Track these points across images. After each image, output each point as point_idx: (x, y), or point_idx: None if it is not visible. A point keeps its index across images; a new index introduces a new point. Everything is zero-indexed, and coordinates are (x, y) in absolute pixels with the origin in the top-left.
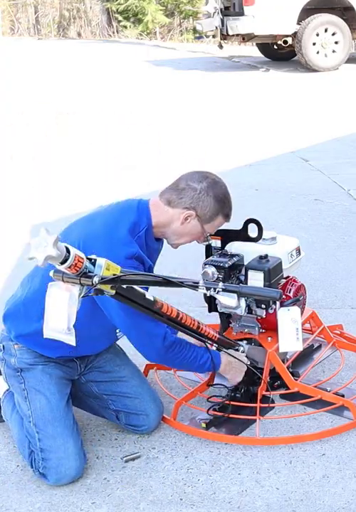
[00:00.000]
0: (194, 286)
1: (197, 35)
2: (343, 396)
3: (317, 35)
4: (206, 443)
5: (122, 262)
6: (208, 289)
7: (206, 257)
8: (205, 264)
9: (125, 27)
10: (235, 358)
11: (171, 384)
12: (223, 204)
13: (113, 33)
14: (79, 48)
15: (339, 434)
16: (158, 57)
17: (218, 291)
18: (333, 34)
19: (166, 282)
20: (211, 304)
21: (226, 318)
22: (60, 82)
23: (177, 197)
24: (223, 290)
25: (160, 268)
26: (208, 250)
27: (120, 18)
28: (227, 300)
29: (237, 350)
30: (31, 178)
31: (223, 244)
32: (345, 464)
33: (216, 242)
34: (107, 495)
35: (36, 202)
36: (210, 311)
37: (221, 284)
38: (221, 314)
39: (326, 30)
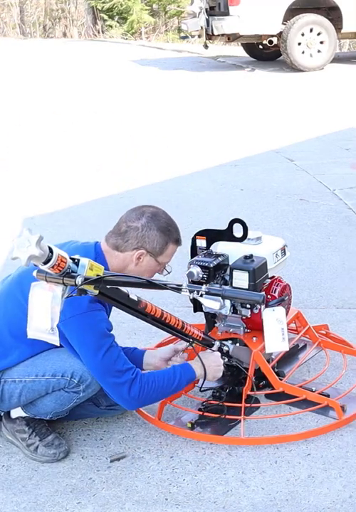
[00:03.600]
0: (178, 288)
1: (182, 34)
2: (328, 396)
3: (303, 35)
4: (191, 443)
5: (86, 306)
6: (191, 291)
7: (192, 257)
8: (190, 264)
9: (110, 26)
10: (201, 360)
11: None
12: (169, 232)
13: (98, 32)
14: (64, 47)
15: (324, 434)
16: (144, 57)
17: (201, 294)
18: (318, 34)
19: (150, 284)
20: (196, 303)
21: (211, 318)
22: (46, 82)
23: (123, 241)
24: (207, 293)
25: None
26: (194, 250)
27: (105, 17)
28: (211, 303)
29: (222, 349)
30: (18, 176)
31: (209, 244)
32: (330, 464)
33: (202, 242)
34: (93, 495)
35: (25, 199)
36: (195, 311)
37: (204, 287)
38: (206, 314)
39: (311, 30)
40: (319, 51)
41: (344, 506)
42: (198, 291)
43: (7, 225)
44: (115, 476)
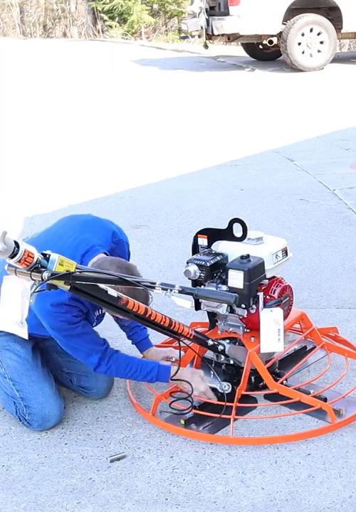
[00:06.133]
0: (151, 286)
1: (182, 34)
2: (326, 399)
3: (303, 35)
4: (191, 443)
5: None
6: (164, 289)
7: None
8: (187, 263)
9: (111, 27)
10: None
11: None
12: None
13: (99, 32)
14: (64, 47)
15: (324, 434)
16: (144, 57)
17: (173, 293)
18: (318, 34)
19: (122, 281)
20: (198, 302)
21: (213, 317)
22: (46, 82)
23: None
24: (180, 292)
25: (145, 267)
26: (195, 248)
27: (106, 17)
28: (182, 302)
29: (216, 348)
30: (18, 176)
31: (210, 242)
32: (330, 464)
33: (203, 241)
34: (93, 495)
35: (25, 199)
36: (197, 309)
37: (177, 286)
38: (208, 313)
39: (311, 30)
40: (319, 51)
41: (344, 506)
42: (171, 290)
43: (7, 225)
44: (115, 476)
